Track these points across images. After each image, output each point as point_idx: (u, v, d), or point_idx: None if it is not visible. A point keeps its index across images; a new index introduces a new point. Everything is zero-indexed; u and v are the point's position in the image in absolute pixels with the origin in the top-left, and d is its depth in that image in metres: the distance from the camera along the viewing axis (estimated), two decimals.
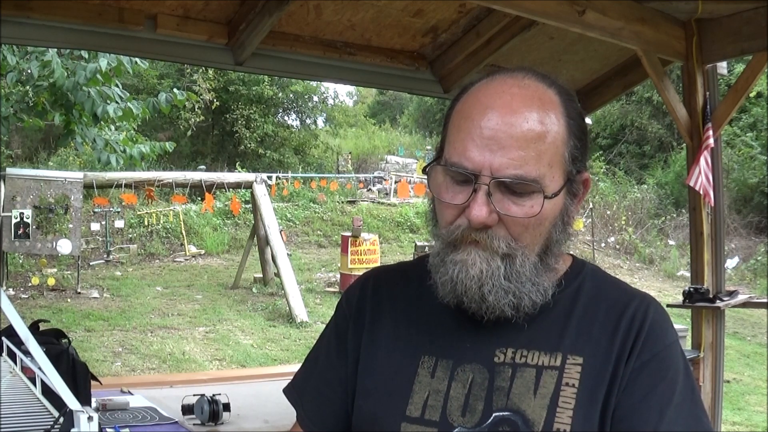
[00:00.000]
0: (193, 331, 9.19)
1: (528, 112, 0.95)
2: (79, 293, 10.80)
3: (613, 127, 19.42)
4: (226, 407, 2.58)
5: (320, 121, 25.95)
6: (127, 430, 2.39)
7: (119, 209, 13.01)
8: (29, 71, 6.60)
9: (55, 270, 11.48)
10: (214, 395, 2.58)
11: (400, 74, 3.87)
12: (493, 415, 0.95)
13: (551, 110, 0.97)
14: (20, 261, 11.57)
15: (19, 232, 8.72)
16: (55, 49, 6.43)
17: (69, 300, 10.48)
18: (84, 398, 2.09)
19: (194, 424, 2.53)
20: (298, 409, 1.16)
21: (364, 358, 1.09)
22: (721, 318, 3.65)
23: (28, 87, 6.94)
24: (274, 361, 7.97)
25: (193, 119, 19.05)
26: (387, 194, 18.08)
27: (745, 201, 15.81)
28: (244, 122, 20.55)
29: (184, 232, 14.06)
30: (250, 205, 12.12)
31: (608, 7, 3.09)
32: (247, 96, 20.51)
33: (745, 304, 3.81)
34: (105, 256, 12.75)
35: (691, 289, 3.58)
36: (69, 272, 11.56)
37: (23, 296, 10.50)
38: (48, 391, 1.33)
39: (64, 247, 9.05)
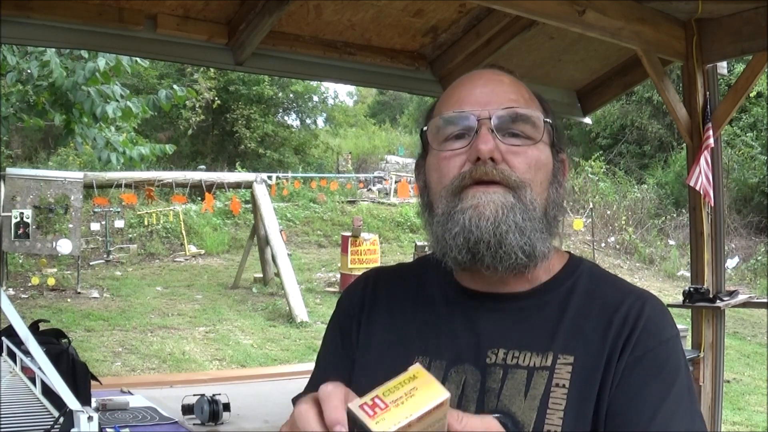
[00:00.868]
0: (193, 331, 9.20)
1: (509, 77, 1.07)
2: (79, 293, 10.80)
3: (613, 127, 19.41)
4: (226, 407, 2.58)
5: (320, 121, 25.99)
6: (127, 430, 2.39)
7: (119, 209, 13.02)
8: (29, 71, 6.59)
9: (55, 270, 11.49)
10: (214, 395, 2.58)
11: (400, 74, 3.87)
12: None
13: (526, 87, 1.08)
14: (20, 261, 11.58)
15: (19, 232, 8.73)
16: (54, 49, 6.43)
17: (69, 300, 10.48)
18: (84, 398, 2.09)
19: (194, 424, 2.53)
20: None
21: (360, 358, 1.09)
22: (721, 318, 3.65)
23: (28, 87, 6.93)
24: (274, 361, 7.98)
25: (193, 118, 19.05)
26: (387, 194, 18.08)
27: (745, 201, 15.81)
28: (244, 122, 20.56)
29: (184, 232, 14.06)
30: (250, 205, 12.13)
31: (608, 7, 3.09)
32: (248, 96, 20.52)
33: (745, 304, 3.81)
34: (105, 256, 12.75)
35: (691, 289, 3.58)
36: (69, 272, 11.56)
37: (23, 296, 10.50)
38: (48, 391, 1.33)
39: (64, 247, 9.05)
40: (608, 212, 16.17)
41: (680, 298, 3.66)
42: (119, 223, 12.93)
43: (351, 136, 25.15)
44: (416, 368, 0.68)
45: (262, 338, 9.02)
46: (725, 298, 3.56)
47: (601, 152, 18.92)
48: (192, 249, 13.91)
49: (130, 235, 13.73)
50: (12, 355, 1.63)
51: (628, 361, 0.95)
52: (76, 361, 2.27)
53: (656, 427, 0.91)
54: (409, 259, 8.63)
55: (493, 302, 1.02)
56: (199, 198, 13.72)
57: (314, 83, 21.75)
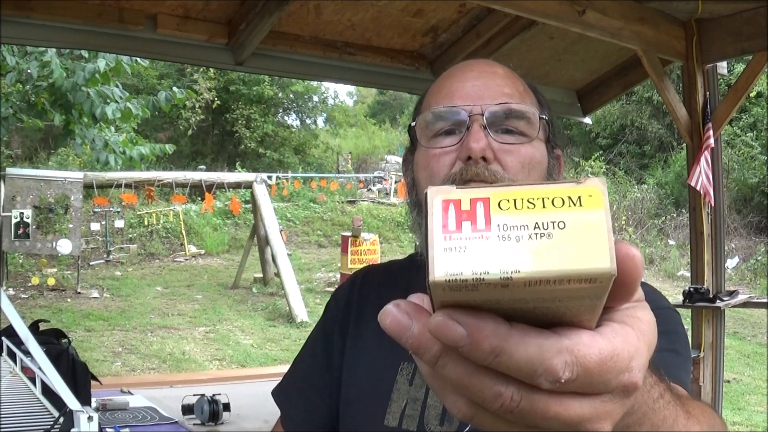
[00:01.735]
0: (193, 331, 9.19)
1: (503, 69, 1.02)
2: (79, 293, 10.80)
3: (613, 127, 19.40)
4: (226, 407, 2.58)
5: (320, 121, 25.99)
6: (127, 430, 2.39)
7: (119, 209, 13.01)
8: (29, 71, 6.59)
9: (55, 270, 11.48)
10: (214, 395, 2.58)
11: (400, 74, 3.87)
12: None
13: (521, 80, 1.03)
14: (20, 261, 11.58)
15: (19, 232, 8.73)
16: (55, 50, 6.43)
17: (69, 300, 10.48)
18: (84, 398, 2.09)
19: (194, 424, 2.53)
20: (283, 410, 1.15)
21: (348, 365, 1.06)
22: (721, 318, 3.65)
23: (27, 87, 6.94)
24: (274, 361, 7.97)
25: (193, 118, 19.05)
26: (387, 194, 18.08)
27: (745, 201, 15.81)
28: (244, 122, 20.56)
29: (184, 232, 14.06)
30: (250, 205, 12.13)
31: (608, 7, 3.10)
32: (248, 96, 20.51)
33: (745, 304, 3.81)
34: (105, 256, 12.75)
35: (691, 289, 3.58)
36: (69, 272, 11.56)
37: (23, 296, 10.50)
38: (48, 391, 1.33)
39: (64, 247, 9.05)
40: None
41: (680, 298, 3.66)
42: (119, 223, 12.92)
43: (351, 136, 25.15)
44: (595, 186, 0.38)
45: (262, 338, 9.02)
46: (725, 298, 3.56)
47: (601, 152, 18.92)
48: (192, 249, 13.91)
49: (130, 235, 13.72)
50: (12, 355, 1.63)
51: None
52: (76, 361, 2.27)
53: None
54: None
55: None
56: (199, 198, 13.71)
57: (314, 83, 21.75)
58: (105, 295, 10.93)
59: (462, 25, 3.65)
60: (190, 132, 19.65)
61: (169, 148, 8.26)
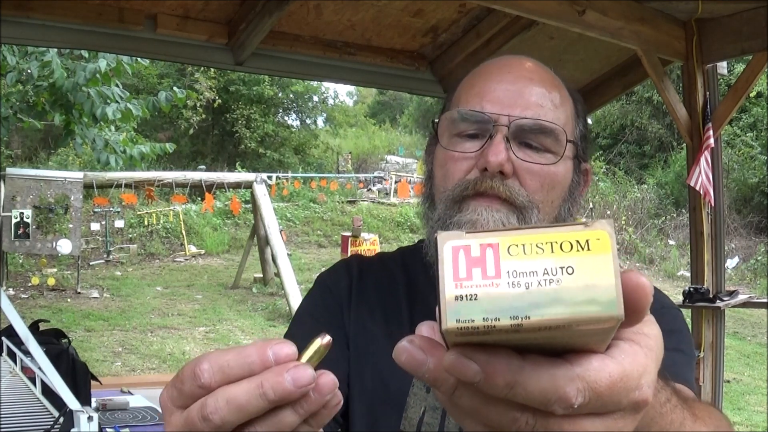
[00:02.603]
0: (193, 331, 9.20)
1: (542, 75, 0.96)
2: (79, 293, 10.80)
3: (613, 127, 19.41)
4: None
5: (320, 121, 25.98)
6: (127, 430, 2.39)
7: (119, 209, 13.01)
8: (29, 71, 6.59)
9: (55, 270, 11.48)
10: None
11: (400, 74, 3.87)
12: None
13: (561, 87, 0.98)
14: (20, 261, 11.57)
15: (19, 232, 8.72)
16: (55, 49, 6.43)
17: (69, 300, 10.48)
18: (84, 398, 2.09)
19: None
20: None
21: (357, 355, 1.00)
22: (721, 318, 3.64)
23: (28, 87, 6.94)
24: None
25: (194, 118, 19.05)
26: (387, 194, 18.08)
27: (745, 201, 15.81)
28: (244, 122, 20.56)
29: (184, 232, 14.06)
30: (250, 205, 12.12)
31: (608, 7, 3.09)
32: (248, 96, 20.52)
33: (745, 304, 3.80)
34: (105, 256, 12.75)
35: (691, 289, 3.58)
36: (69, 272, 11.56)
37: (23, 296, 10.49)
38: (48, 391, 1.33)
39: (64, 247, 9.05)
40: (608, 212, 16.16)
41: (680, 298, 3.66)
42: (119, 223, 12.92)
43: (351, 136, 25.15)
44: (602, 229, 0.38)
45: (262, 338, 9.01)
46: (725, 298, 3.56)
47: (601, 152, 18.92)
48: (192, 249, 13.91)
49: (130, 235, 13.72)
50: (12, 355, 1.63)
51: None
52: (76, 361, 2.27)
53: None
54: None
55: None
56: (199, 198, 13.72)
57: (314, 83, 21.75)
58: (105, 295, 10.93)
59: (462, 25, 3.65)
60: (190, 132, 19.65)
61: (170, 147, 8.26)
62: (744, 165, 15.74)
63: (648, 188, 17.43)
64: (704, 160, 3.47)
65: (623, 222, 15.89)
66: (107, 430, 2.33)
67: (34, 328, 2.28)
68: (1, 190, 8.75)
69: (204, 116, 19.79)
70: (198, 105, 18.20)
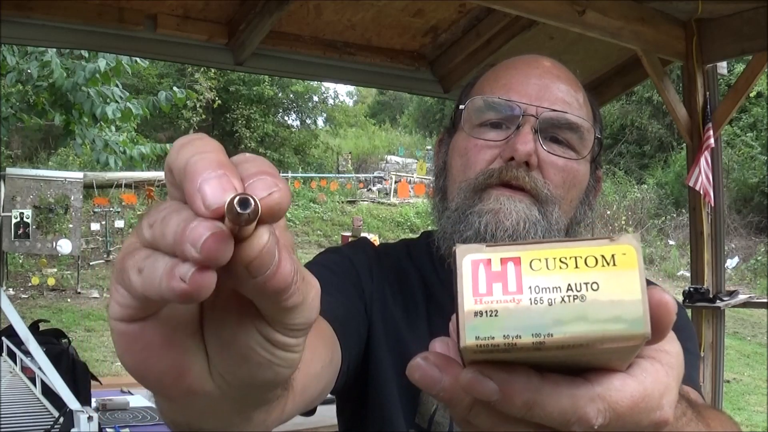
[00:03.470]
0: None
1: (567, 75, 0.96)
2: (79, 293, 10.80)
3: (613, 127, 19.40)
4: None
5: (320, 121, 25.97)
6: (127, 430, 2.39)
7: (119, 209, 13.01)
8: (29, 71, 6.60)
9: (55, 270, 11.48)
10: None
11: (400, 74, 3.87)
12: None
13: (583, 90, 0.98)
14: (20, 261, 11.57)
15: (19, 232, 8.73)
16: (55, 50, 6.43)
17: (69, 300, 10.48)
18: (84, 398, 2.09)
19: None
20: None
21: (377, 331, 0.96)
22: (721, 318, 3.64)
23: (27, 87, 6.94)
24: None
25: (194, 118, 19.06)
26: (387, 194, 18.07)
27: (745, 201, 15.81)
28: (244, 122, 20.56)
29: None
30: None
31: (608, 7, 3.10)
32: (248, 96, 20.51)
33: (745, 304, 3.80)
34: (105, 256, 12.75)
35: (691, 289, 3.58)
36: (69, 272, 11.56)
37: (23, 296, 10.50)
38: (48, 391, 1.33)
39: (64, 247, 9.05)
40: (608, 212, 16.17)
41: (680, 298, 3.66)
42: (119, 223, 12.92)
43: (351, 136, 25.13)
44: (629, 244, 0.37)
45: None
46: (725, 298, 3.56)
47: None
48: None
49: None
50: (12, 355, 1.63)
51: None
52: (76, 361, 2.27)
53: None
54: None
55: None
56: None
57: (314, 83, 21.74)
58: (105, 295, 10.92)
59: (462, 25, 3.65)
60: (190, 132, 19.65)
61: (170, 147, 8.24)
62: (744, 165, 15.74)
63: (648, 188, 17.43)
64: (704, 160, 3.47)
65: (623, 222, 15.89)
66: (107, 430, 2.33)
67: (34, 328, 2.29)
68: (1, 190, 8.75)
69: (204, 116, 19.79)
70: (198, 105, 18.21)
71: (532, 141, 0.88)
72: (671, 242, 15.37)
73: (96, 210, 12.20)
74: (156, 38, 3.15)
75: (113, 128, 8.08)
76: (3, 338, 1.66)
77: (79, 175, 9.95)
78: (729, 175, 14.98)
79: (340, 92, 30.93)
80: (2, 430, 1.20)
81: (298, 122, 24.25)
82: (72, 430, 1.06)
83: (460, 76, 3.80)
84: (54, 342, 2.30)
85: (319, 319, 0.79)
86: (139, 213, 13.90)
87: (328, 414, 1.17)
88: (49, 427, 1.12)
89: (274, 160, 20.61)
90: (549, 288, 0.36)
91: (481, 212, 0.87)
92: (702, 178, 3.46)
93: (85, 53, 6.71)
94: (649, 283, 0.38)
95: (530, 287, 0.36)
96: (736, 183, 15.65)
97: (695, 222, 3.71)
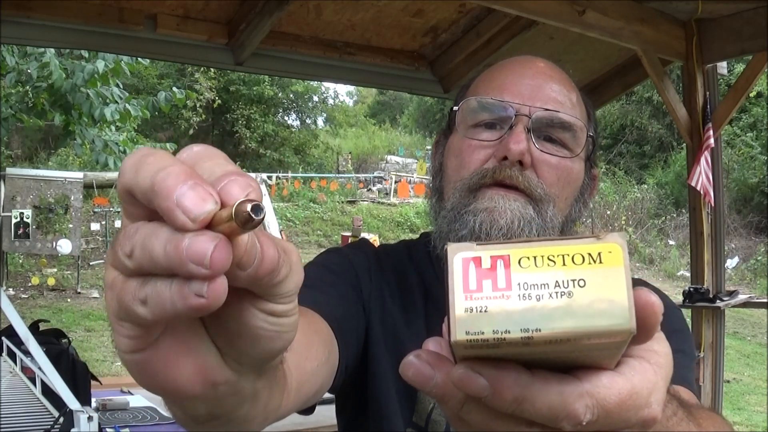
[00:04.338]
0: None
1: (561, 75, 0.97)
2: (79, 293, 10.80)
3: (613, 127, 19.41)
4: None
5: (320, 121, 25.98)
6: (127, 430, 2.39)
7: (119, 209, 13.01)
8: (29, 72, 6.60)
9: (55, 270, 11.48)
10: None
11: (400, 74, 3.87)
12: None
13: (576, 89, 0.99)
14: (20, 261, 11.57)
15: (19, 232, 8.72)
16: (54, 50, 6.43)
17: (69, 300, 10.48)
18: (84, 398, 2.09)
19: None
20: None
21: (376, 331, 0.97)
22: (721, 318, 3.64)
23: (27, 87, 6.94)
24: None
25: (194, 118, 19.06)
26: (387, 194, 18.07)
27: (745, 201, 15.81)
28: (244, 122, 20.56)
29: None
30: None
31: (608, 7, 3.10)
32: (248, 96, 20.51)
33: (745, 304, 3.80)
34: (105, 256, 12.74)
35: (691, 289, 3.58)
36: (69, 272, 11.56)
37: (23, 296, 10.49)
38: (48, 391, 1.33)
39: (64, 247, 9.05)
40: (608, 212, 16.17)
41: (680, 298, 3.66)
42: (119, 223, 12.91)
43: (351, 136, 25.13)
44: (615, 242, 0.38)
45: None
46: (725, 298, 3.56)
47: (601, 152, 18.89)
48: None
49: None
50: (12, 355, 1.63)
51: None
52: (76, 361, 2.27)
53: None
54: None
55: None
56: None
57: (314, 83, 21.75)
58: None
59: (462, 25, 3.65)
60: (190, 132, 19.65)
61: (170, 147, 8.26)
62: (744, 165, 15.74)
63: (648, 188, 17.44)
64: (704, 160, 3.47)
65: (623, 222, 15.89)
66: (107, 430, 2.33)
67: (34, 328, 2.28)
68: (1, 190, 8.75)
69: (204, 116, 19.79)
70: (198, 105, 18.21)
71: (525, 140, 0.89)
72: (671, 242, 15.37)
73: (96, 210, 12.20)
74: (156, 38, 3.15)
75: (113, 128, 8.08)
76: (3, 338, 1.66)
77: (79, 175, 9.94)
78: (729, 175, 14.98)
79: (340, 92, 30.95)
80: (2, 430, 1.20)
81: (298, 122, 24.25)
82: (72, 430, 1.06)
83: (460, 76, 3.80)
84: (54, 342, 2.30)
85: (316, 317, 0.81)
86: None
87: (327, 414, 1.17)
88: (49, 427, 1.12)
89: (274, 160, 20.63)
90: (537, 285, 0.37)
91: (476, 211, 0.88)
92: (702, 178, 3.46)
93: (85, 53, 6.71)
94: (640, 283, 0.38)
95: (519, 284, 0.37)
96: (736, 183, 15.65)
97: (695, 222, 3.71)
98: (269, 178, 12.80)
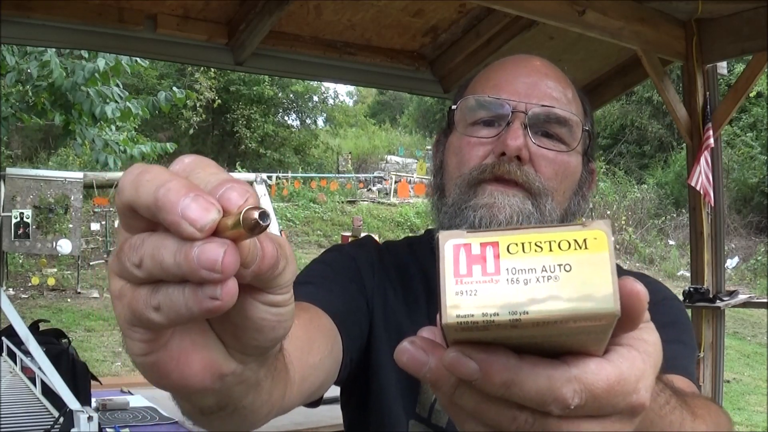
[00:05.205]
0: None
1: (556, 72, 1.00)
2: (79, 293, 10.80)
3: (613, 127, 19.41)
4: None
5: (320, 121, 25.98)
6: (127, 430, 2.39)
7: None
8: (29, 71, 6.60)
9: (55, 270, 11.48)
10: None
11: (400, 74, 3.87)
12: None
13: (572, 85, 1.01)
14: (20, 261, 11.57)
15: (19, 232, 8.72)
16: (54, 49, 6.43)
17: (69, 300, 10.48)
18: (84, 398, 2.09)
19: (194, 424, 2.53)
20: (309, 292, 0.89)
21: (379, 327, 0.99)
22: (721, 318, 3.64)
23: (27, 87, 6.94)
24: None
25: (194, 118, 19.06)
26: (387, 194, 18.07)
27: (745, 201, 15.81)
28: (244, 122, 20.56)
29: None
30: None
31: (608, 7, 3.10)
32: (248, 96, 20.52)
33: (745, 304, 3.80)
34: (105, 256, 12.74)
35: (691, 289, 3.58)
36: (69, 272, 11.56)
37: (23, 296, 10.50)
38: (48, 391, 1.33)
39: (64, 247, 9.05)
40: (608, 212, 16.17)
41: (680, 298, 3.66)
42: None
43: (351, 136, 25.13)
44: (600, 229, 0.39)
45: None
46: (725, 298, 3.56)
47: (601, 152, 18.91)
48: None
49: None
50: (12, 355, 1.63)
51: None
52: (76, 361, 2.27)
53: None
54: None
55: None
56: None
57: (314, 83, 21.75)
58: (105, 295, 10.92)
59: (462, 25, 3.65)
60: (190, 132, 19.65)
61: (170, 147, 8.26)
62: (744, 165, 15.74)
63: (648, 188, 17.44)
64: (704, 160, 3.47)
65: (623, 222, 15.89)
66: (107, 430, 2.33)
67: (34, 328, 2.28)
68: (1, 190, 8.75)
69: (204, 116, 19.79)
70: (198, 105, 18.21)
71: (522, 136, 0.91)
72: (671, 242, 15.37)
73: (96, 210, 12.20)
74: (156, 38, 3.15)
75: (113, 128, 8.08)
76: (3, 338, 1.67)
77: (79, 175, 9.94)
78: (729, 175, 14.98)
79: (340, 92, 30.96)
80: (2, 430, 1.20)
81: (298, 122, 24.26)
82: (72, 430, 1.06)
83: (460, 76, 3.80)
84: (54, 342, 2.30)
85: (319, 313, 0.83)
86: None
87: (328, 414, 1.18)
88: (49, 427, 1.13)
89: (274, 160, 20.63)
90: (525, 270, 0.38)
91: (476, 206, 0.91)
92: (702, 178, 3.46)
93: (85, 53, 6.71)
94: (628, 273, 0.38)
95: (507, 269, 0.38)
96: (736, 183, 15.65)
97: (695, 222, 3.71)
98: (269, 178, 12.78)
